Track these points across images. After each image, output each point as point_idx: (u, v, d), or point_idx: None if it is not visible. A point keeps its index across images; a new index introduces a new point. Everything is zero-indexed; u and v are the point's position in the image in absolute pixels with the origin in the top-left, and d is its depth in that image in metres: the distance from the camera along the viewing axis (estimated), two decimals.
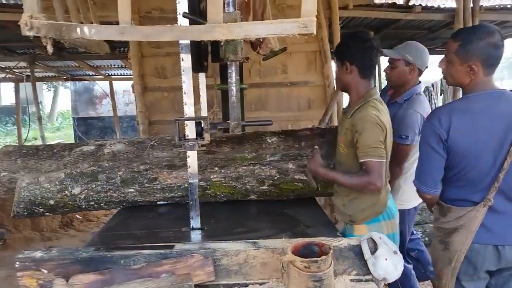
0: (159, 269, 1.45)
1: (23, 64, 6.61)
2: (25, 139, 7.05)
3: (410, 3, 5.36)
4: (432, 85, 6.93)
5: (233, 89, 1.93)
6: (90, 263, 1.50)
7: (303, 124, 4.19)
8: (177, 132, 1.95)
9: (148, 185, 2.40)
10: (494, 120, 1.70)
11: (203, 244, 1.58)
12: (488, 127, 1.70)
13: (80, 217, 5.37)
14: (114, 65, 8.10)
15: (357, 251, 1.56)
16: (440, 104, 7.01)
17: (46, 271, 1.51)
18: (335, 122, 4.53)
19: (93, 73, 8.51)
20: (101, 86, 9.19)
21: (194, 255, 1.49)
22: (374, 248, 1.54)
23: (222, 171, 2.45)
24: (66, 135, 17.21)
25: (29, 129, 7.09)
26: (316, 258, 1.39)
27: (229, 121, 2.00)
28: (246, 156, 2.52)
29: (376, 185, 1.91)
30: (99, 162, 2.48)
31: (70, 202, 2.36)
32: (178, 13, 1.75)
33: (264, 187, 2.47)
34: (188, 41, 1.82)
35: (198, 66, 2.03)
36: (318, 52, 4.69)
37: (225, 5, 1.72)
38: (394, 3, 5.30)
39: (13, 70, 7.26)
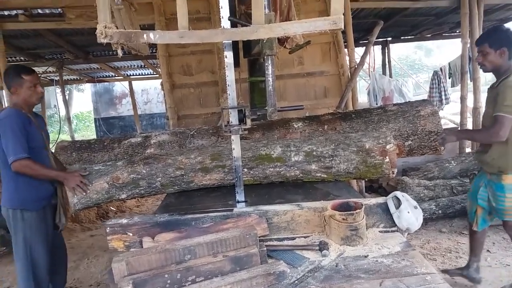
0: (224, 227, 1.79)
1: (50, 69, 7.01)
2: (56, 140, 7.45)
3: None
4: (441, 69, 7.13)
5: (270, 79, 2.24)
6: (167, 225, 1.85)
7: (320, 111, 4.45)
8: (223, 119, 2.29)
9: (186, 186, 2.61)
10: None
11: (257, 207, 1.92)
12: None
13: (114, 209, 5.75)
14: (134, 66, 8.48)
15: (384, 207, 1.89)
16: (449, 86, 7.23)
17: (131, 234, 1.87)
18: (350, 108, 4.82)
19: (114, 74, 8.90)
20: (123, 85, 9.54)
21: (251, 215, 1.84)
22: (398, 204, 1.86)
23: (251, 172, 2.61)
24: (84, 137, 17.54)
25: (60, 131, 7.50)
26: (352, 212, 1.72)
27: (266, 108, 2.33)
28: (272, 155, 2.62)
29: (498, 134, 2.37)
30: (136, 167, 2.56)
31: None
32: (221, 17, 2.08)
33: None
34: (231, 41, 2.14)
35: (234, 62, 2.37)
36: (331, 43, 4.97)
37: None
38: None
39: (41, 75, 7.67)
